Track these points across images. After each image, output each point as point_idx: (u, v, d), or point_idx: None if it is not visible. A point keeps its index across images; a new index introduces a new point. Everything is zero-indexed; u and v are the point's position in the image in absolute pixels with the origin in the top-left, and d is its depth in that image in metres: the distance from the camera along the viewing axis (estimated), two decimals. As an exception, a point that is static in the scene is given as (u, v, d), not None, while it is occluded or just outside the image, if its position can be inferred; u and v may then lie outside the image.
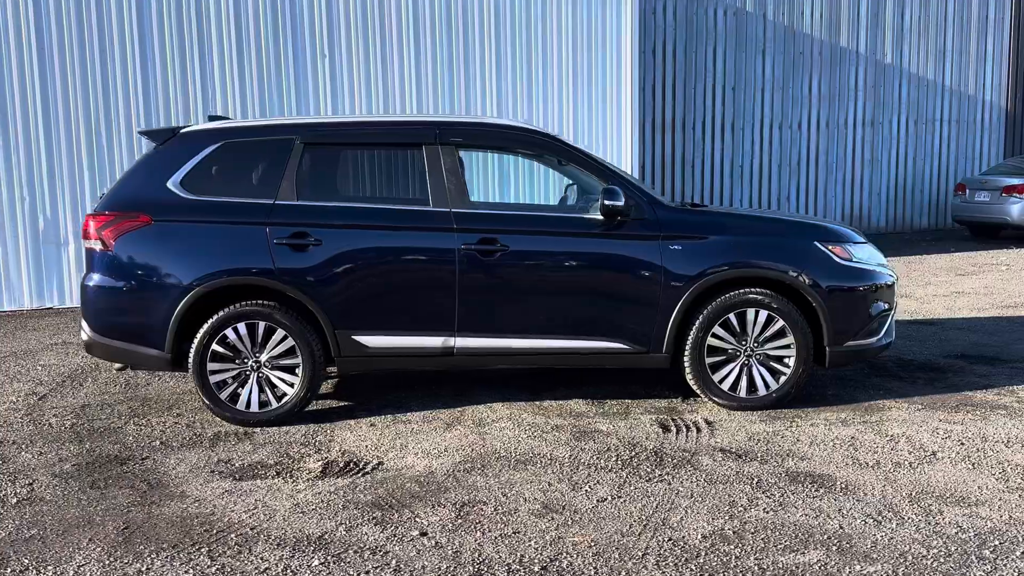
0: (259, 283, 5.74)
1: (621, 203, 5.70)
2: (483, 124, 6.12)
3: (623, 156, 12.69)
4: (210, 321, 5.74)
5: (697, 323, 5.87)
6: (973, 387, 6.45)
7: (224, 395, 5.79)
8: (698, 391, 6.01)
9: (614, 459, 5.03)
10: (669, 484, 4.66)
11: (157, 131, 6.10)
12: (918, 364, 7.18)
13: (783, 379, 5.95)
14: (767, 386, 5.97)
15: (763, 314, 5.88)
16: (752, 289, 5.86)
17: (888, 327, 6.15)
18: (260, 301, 5.80)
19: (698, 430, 5.57)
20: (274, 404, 5.82)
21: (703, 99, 17.06)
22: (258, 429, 5.77)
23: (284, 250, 5.74)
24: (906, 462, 4.94)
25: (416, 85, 11.86)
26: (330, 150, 5.98)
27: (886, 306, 6.11)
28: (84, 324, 5.97)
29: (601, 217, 5.78)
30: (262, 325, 5.76)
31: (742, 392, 5.96)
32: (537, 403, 6.20)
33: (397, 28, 11.77)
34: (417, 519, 4.28)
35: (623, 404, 6.16)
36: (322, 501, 4.53)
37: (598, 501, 4.46)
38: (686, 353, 5.93)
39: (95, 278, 5.86)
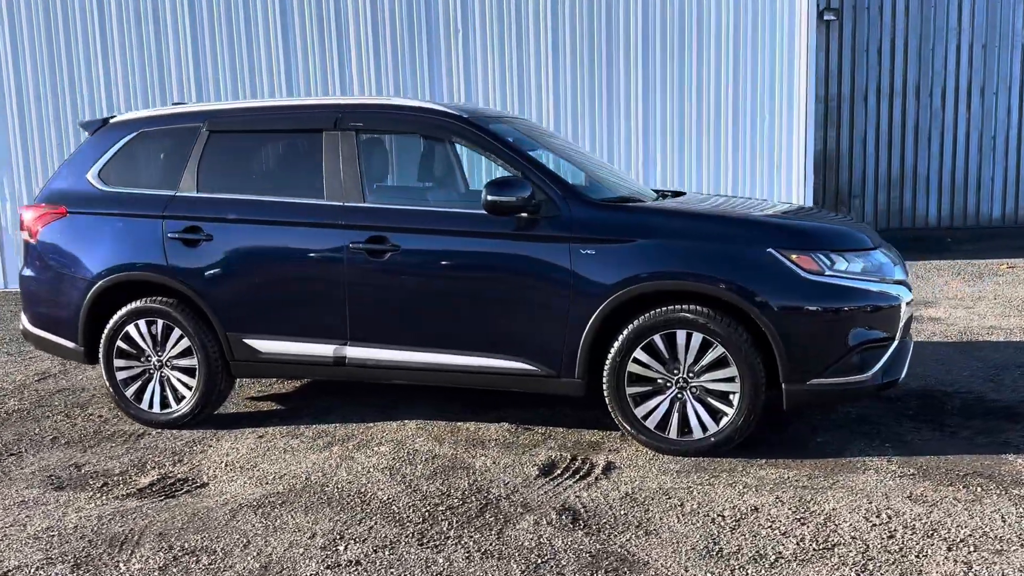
0: (156, 280, 5.44)
1: (509, 197, 4.76)
2: (386, 107, 5.37)
3: (795, 134, 11.14)
4: (115, 317, 5.54)
5: (616, 345, 4.80)
6: (1012, 448, 4.78)
7: (130, 393, 5.58)
8: (622, 427, 4.94)
9: (429, 510, 4.23)
10: (433, 553, 3.78)
11: (91, 121, 5.98)
12: (967, 406, 5.52)
13: (724, 421, 4.73)
14: (704, 428, 4.78)
15: (697, 338, 4.70)
16: (685, 306, 4.69)
17: (886, 362, 4.70)
18: (160, 298, 5.50)
19: (583, 476, 4.57)
20: (173, 406, 5.52)
21: (944, 61, 14.64)
22: (155, 431, 5.51)
23: (177, 245, 5.41)
24: (785, 558, 3.67)
25: (553, 59, 11.11)
26: (235, 138, 5.53)
27: (877, 335, 4.66)
28: (22, 313, 6.01)
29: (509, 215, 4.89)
30: (160, 323, 5.47)
31: (672, 432, 4.82)
32: (455, 424, 5.43)
33: (534, 1, 11.06)
34: (119, 566, 3.77)
35: (547, 433, 5.23)
36: (78, 526, 4.17)
37: (327, 567, 3.70)
38: (604, 381, 4.88)
39: (25, 269, 5.87)
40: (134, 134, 5.70)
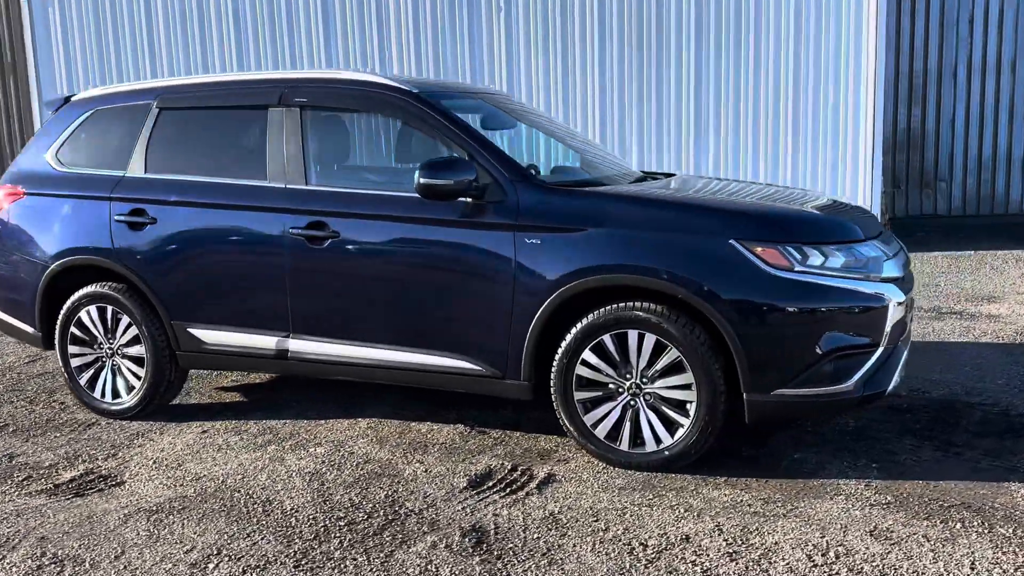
0: (103, 264, 5.22)
1: (445, 180, 4.32)
2: (331, 81, 4.97)
3: (862, 116, 10.35)
4: (68, 302, 5.34)
5: (563, 346, 4.33)
6: (1019, 474, 4.11)
7: (84, 380, 5.39)
8: (570, 435, 4.47)
9: (327, 525, 3.87)
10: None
11: (54, 100, 5.79)
12: (986, 422, 4.87)
13: (679, 433, 4.21)
14: (658, 440, 4.27)
15: (650, 339, 4.19)
16: (636, 304, 4.18)
17: (868, 371, 4.10)
18: (109, 284, 5.27)
19: (514, 491, 4.14)
20: (123, 396, 5.29)
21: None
22: (105, 422, 5.30)
23: (123, 228, 5.17)
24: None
25: (599, 35, 10.56)
26: (184, 115, 5.23)
27: (857, 340, 4.06)
28: None
29: (460, 199, 4.48)
30: (110, 310, 5.24)
31: (624, 444, 4.33)
32: (409, 424, 5.05)
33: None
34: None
35: (500, 438, 4.81)
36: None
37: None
38: (552, 384, 4.41)
39: (-8, 250, 5.72)
40: (90, 112, 5.47)
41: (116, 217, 5.16)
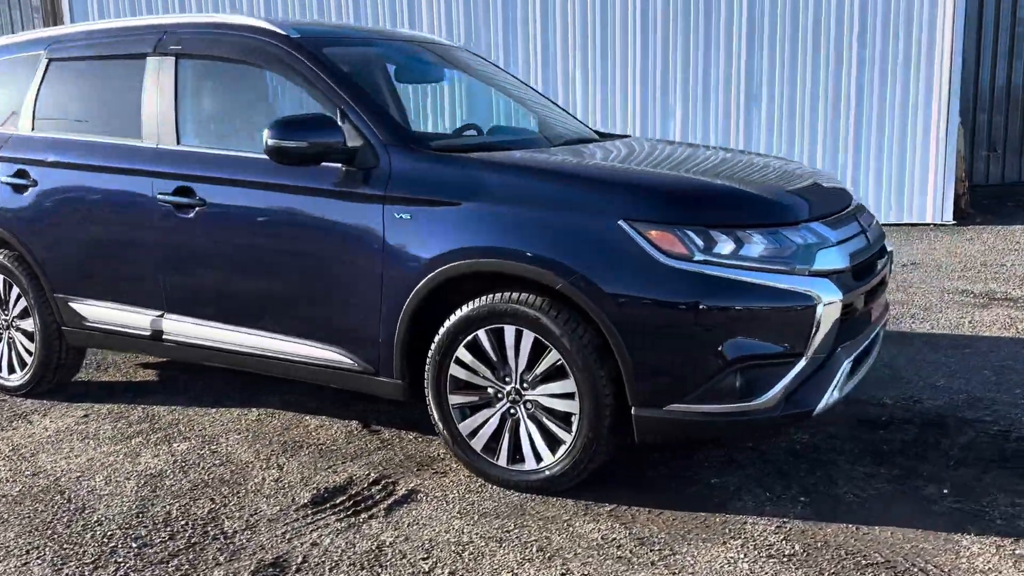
0: (-10, 230, 4.80)
1: (298, 142, 3.68)
2: (203, 26, 4.34)
3: (936, 79, 9.21)
4: (-38, 270, 4.96)
5: (436, 341, 3.67)
6: (982, 522, 3.30)
7: (-19, 355, 5.01)
8: (445, 444, 3.82)
9: (115, 546, 3.36)
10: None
11: None
12: (975, 446, 3.97)
13: (560, 450, 3.51)
14: (538, 457, 3.58)
15: (528, 337, 3.48)
16: (512, 295, 3.49)
17: (789, 385, 3.31)
18: (3, 251, 4.86)
19: (359, 512, 3.54)
20: (17, 372, 4.90)
21: None
22: (7, 399, 4.92)
23: (7, 191, 4.72)
24: None
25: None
26: (71, 66, 4.73)
27: (772, 348, 3.26)
28: None
29: (338, 165, 3.82)
30: (1, 279, 4.84)
31: (501, 458, 3.66)
32: (302, 417, 4.52)
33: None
34: None
35: (389, 439, 4.25)
36: None
37: None
38: (425, 385, 3.76)
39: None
40: (-14, 65, 5.01)
41: (2, 179, 4.70)
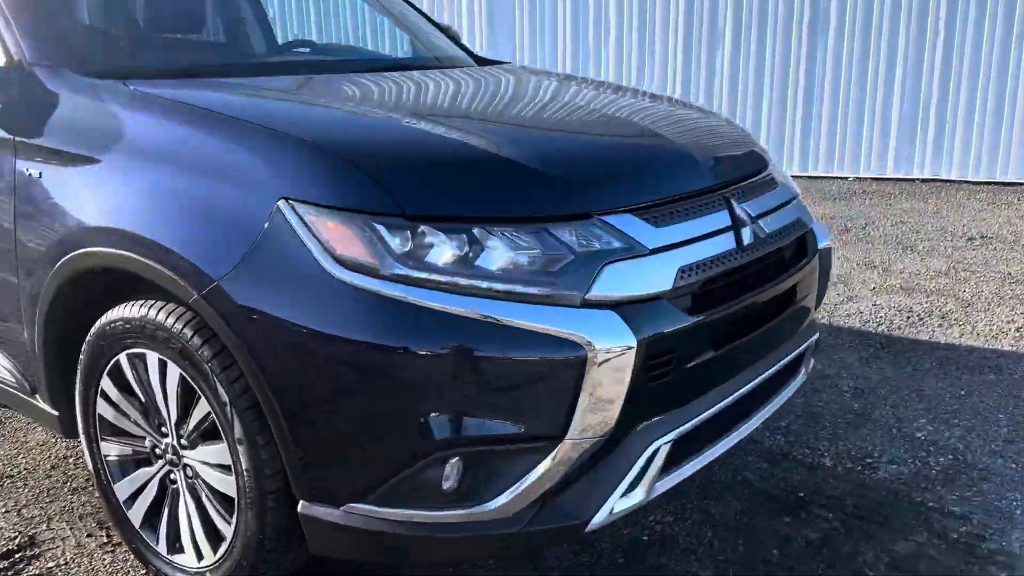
0: None
1: None
2: None
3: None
4: None
5: (81, 362, 2.47)
6: None
7: None
8: (103, 506, 2.64)
9: None
10: None
11: None
12: (894, 563, 2.50)
13: (222, 548, 2.29)
14: (198, 552, 2.39)
15: (174, 372, 2.25)
16: (152, 307, 2.25)
17: (536, 486, 1.99)
18: None
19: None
20: None
21: None
22: None
23: None
24: None
25: None
26: None
27: (507, 429, 1.95)
28: None
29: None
30: None
31: (160, 542, 2.47)
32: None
33: None
34: None
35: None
36: None
37: None
38: (77, 421, 2.59)
39: None
40: None
41: None
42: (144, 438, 2.43)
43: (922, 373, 3.86)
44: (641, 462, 2.07)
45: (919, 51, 8.02)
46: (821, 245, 2.74)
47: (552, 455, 1.96)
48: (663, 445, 2.09)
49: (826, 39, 8.29)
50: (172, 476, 2.40)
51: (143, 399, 2.37)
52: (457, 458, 1.97)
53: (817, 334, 2.81)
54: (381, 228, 1.93)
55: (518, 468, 1.97)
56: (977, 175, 8.05)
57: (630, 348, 1.94)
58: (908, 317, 4.59)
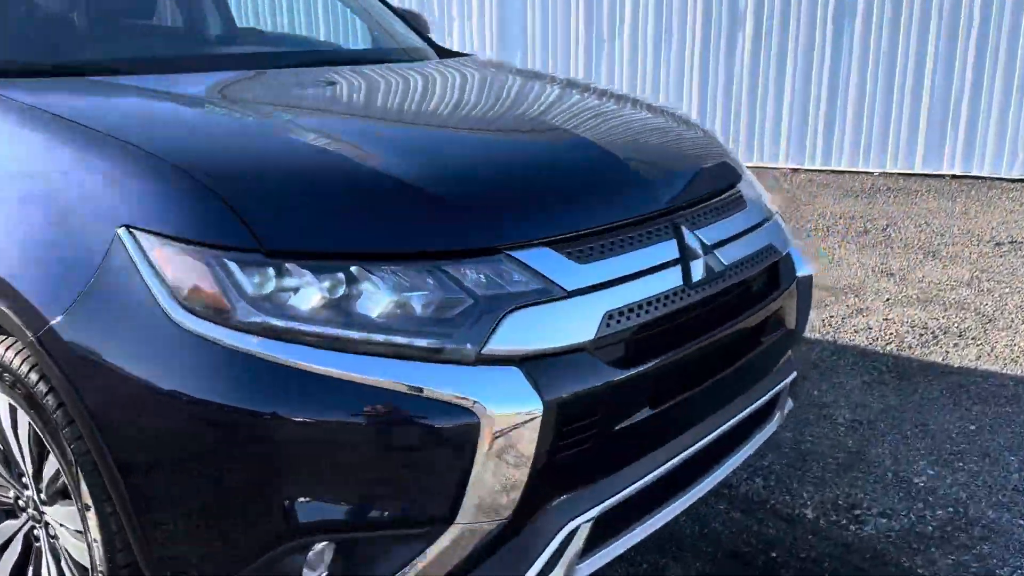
0: None
1: None
2: None
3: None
4: None
5: (-58, 396, 2.17)
6: None
7: None
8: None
9: None
10: None
11: None
12: None
13: (81, 622, 1.99)
14: (60, 618, 2.07)
15: (24, 420, 1.94)
16: (3, 341, 1.94)
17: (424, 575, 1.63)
18: None
19: None
20: None
21: None
22: None
23: None
24: None
25: None
26: None
27: (384, 513, 1.62)
28: None
29: None
30: None
31: (25, 605, 2.16)
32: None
33: None
34: None
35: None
36: None
37: None
38: (-56, 463, 2.30)
39: None
40: None
41: None
42: (8, 489, 2.12)
43: (929, 403, 3.48)
44: (555, 545, 1.73)
45: (951, 38, 7.54)
46: (800, 273, 2.37)
47: (439, 541, 1.62)
48: (582, 524, 1.74)
49: (852, 26, 7.82)
50: (36, 533, 2.09)
51: (1, 446, 2.05)
52: (325, 544, 1.63)
53: (795, 373, 2.45)
54: (233, 266, 1.59)
55: (401, 556, 1.65)
56: (1011, 172, 7.57)
57: (534, 413, 1.59)
58: (921, 335, 4.19)
